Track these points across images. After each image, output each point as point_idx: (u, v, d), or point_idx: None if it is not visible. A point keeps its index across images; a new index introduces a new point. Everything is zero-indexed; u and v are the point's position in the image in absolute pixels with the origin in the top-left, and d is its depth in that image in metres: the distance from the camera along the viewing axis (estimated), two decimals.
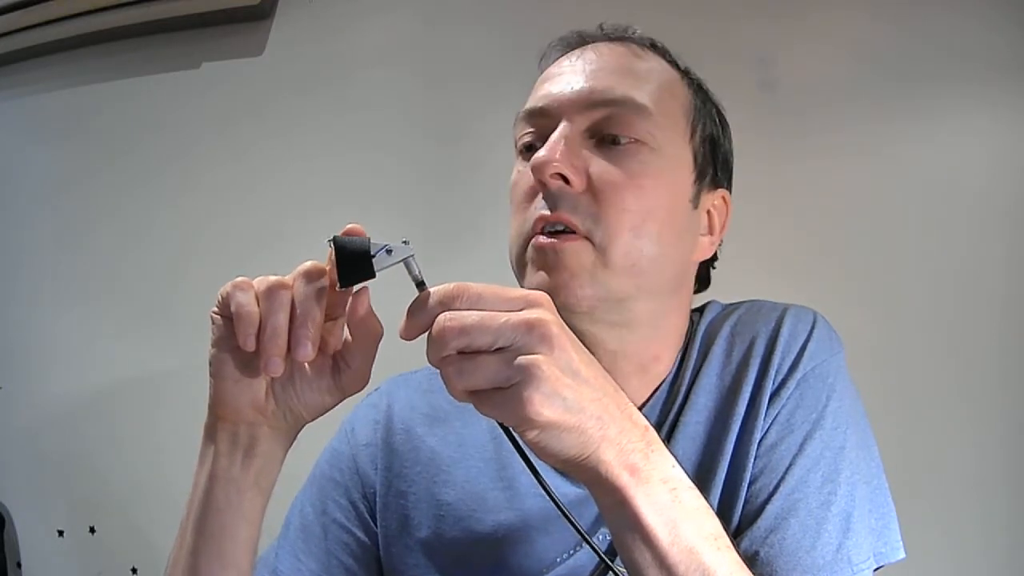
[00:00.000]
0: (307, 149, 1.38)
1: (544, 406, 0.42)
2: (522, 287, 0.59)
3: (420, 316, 0.44)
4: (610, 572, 0.52)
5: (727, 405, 0.61)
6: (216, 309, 0.49)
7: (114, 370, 1.43)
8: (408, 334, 0.45)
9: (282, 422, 0.52)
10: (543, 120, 0.62)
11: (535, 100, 0.63)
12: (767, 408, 0.59)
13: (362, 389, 0.52)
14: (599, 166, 0.59)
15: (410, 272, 0.46)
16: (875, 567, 0.57)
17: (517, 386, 0.42)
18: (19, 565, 1.44)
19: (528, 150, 0.63)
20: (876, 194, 1.15)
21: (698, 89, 0.68)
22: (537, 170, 0.58)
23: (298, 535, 0.67)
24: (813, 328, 0.63)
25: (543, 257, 0.58)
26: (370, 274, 0.45)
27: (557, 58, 0.67)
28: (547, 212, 0.58)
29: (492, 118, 1.30)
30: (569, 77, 0.63)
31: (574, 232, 0.58)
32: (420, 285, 0.45)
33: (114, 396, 1.43)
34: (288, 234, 1.37)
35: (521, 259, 0.61)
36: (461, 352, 0.43)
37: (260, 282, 0.47)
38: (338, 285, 0.46)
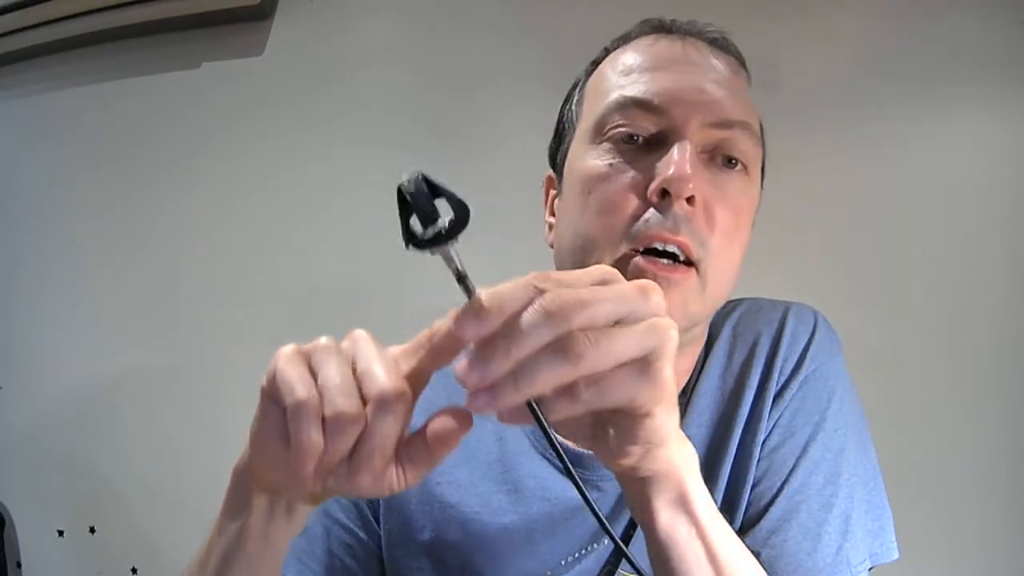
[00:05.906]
0: (307, 149, 1.38)
1: (670, 380, 0.38)
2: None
3: (509, 300, 0.35)
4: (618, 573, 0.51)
5: (730, 408, 0.61)
6: (265, 386, 0.40)
7: (114, 370, 1.43)
8: (488, 325, 0.35)
9: (324, 496, 0.44)
10: (652, 115, 0.57)
11: (647, 92, 0.58)
12: (770, 410, 0.59)
13: (403, 490, 0.41)
14: (713, 190, 0.57)
15: (449, 265, 0.36)
16: (870, 567, 0.57)
17: (652, 354, 0.36)
18: (19, 565, 1.44)
19: (627, 142, 0.58)
20: (876, 194, 1.15)
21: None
22: (673, 185, 0.54)
23: (300, 536, 0.66)
24: (815, 329, 0.63)
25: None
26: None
27: (650, 42, 0.62)
28: (667, 232, 0.54)
29: (492, 117, 1.30)
30: (687, 78, 0.58)
31: (685, 259, 0.55)
32: (462, 279, 0.36)
33: (114, 396, 1.43)
34: (289, 233, 1.37)
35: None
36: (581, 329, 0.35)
37: (329, 398, 0.38)
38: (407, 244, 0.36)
